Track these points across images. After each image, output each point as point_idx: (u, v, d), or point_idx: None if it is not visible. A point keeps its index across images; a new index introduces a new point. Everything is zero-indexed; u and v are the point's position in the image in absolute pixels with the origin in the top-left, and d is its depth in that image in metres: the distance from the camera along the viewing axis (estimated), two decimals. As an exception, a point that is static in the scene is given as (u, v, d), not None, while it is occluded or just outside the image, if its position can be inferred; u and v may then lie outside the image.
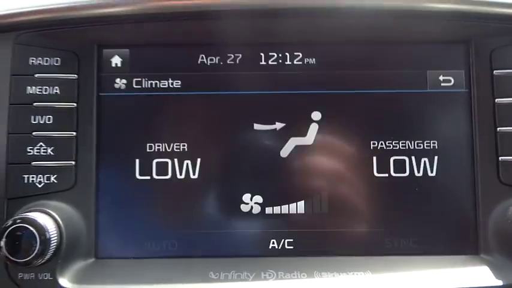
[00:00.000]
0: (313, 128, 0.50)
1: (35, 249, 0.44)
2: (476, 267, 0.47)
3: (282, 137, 0.50)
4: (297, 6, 0.47)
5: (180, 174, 0.50)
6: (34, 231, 0.43)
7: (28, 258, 0.44)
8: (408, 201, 0.49)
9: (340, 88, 0.50)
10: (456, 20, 0.50)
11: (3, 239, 0.44)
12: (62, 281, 0.46)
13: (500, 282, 0.45)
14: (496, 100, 0.49)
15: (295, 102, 0.50)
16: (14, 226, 0.44)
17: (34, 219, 0.44)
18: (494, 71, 0.50)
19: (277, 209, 0.49)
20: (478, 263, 0.47)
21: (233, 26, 0.49)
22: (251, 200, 0.50)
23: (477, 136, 0.49)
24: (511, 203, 0.47)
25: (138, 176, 0.50)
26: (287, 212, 0.49)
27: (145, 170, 0.50)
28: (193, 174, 0.50)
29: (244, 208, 0.49)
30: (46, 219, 0.45)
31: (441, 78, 0.51)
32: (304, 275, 0.46)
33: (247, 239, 0.49)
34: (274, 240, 0.49)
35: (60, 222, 0.46)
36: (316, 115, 0.50)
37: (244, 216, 0.49)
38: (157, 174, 0.50)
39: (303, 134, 0.50)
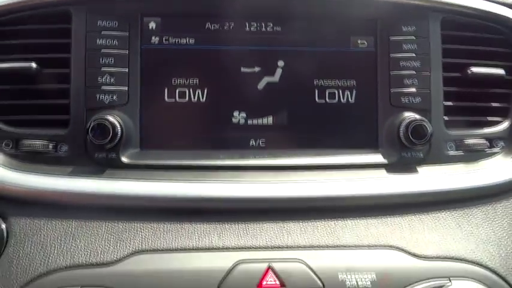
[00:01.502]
0: (279, 71, 0.78)
1: (108, 137, 0.73)
2: (375, 155, 0.77)
3: (259, 76, 0.77)
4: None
5: (194, 98, 0.77)
6: (108, 125, 0.73)
7: (104, 142, 0.73)
8: (336, 117, 0.78)
9: (296, 46, 0.78)
10: (369, 7, 0.80)
11: (89, 131, 0.73)
12: (123, 158, 0.72)
13: (386, 161, 0.77)
14: (391, 55, 0.80)
15: (268, 54, 0.78)
16: (94, 123, 0.74)
17: (108, 119, 0.74)
18: (390, 37, 0.80)
19: (255, 121, 0.78)
20: (377, 152, 0.78)
21: (228, 5, 0.77)
22: (239, 115, 0.77)
23: (379, 77, 0.80)
24: (396, 116, 0.78)
25: (166, 99, 0.76)
26: (261, 123, 0.78)
27: (171, 95, 0.76)
28: (202, 98, 0.77)
29: (234, 120, 0.77)
30: (113, 120, 0.74)
31: (359, 41, 0.80)
32: (270, 158, 0.76)
33: (236, 139, 0.77)
34: (253, 140, 0.78)
35: (121, 122, 0.76)
36: (280, 63, 0.78)
37: (234, 125, 0.77)
38: (178, 98, 0.77)
39: (272, 74, 0.78)
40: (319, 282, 0.64)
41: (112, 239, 0.67)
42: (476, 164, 0.79)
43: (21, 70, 0.74)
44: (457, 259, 0.69)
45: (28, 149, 0.74)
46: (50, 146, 0.75)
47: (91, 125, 0.71)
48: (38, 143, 0.74)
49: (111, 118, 0.72)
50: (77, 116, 0.75)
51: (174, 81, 0.78)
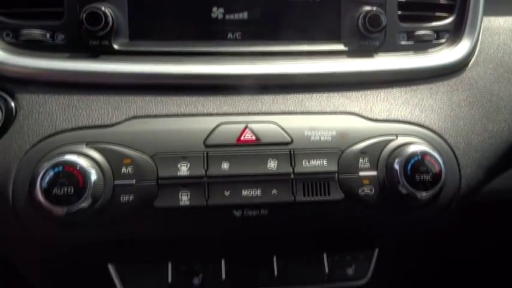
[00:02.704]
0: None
1: (101, 24, 0.83)
2: (337, 44, 0.90)
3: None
4: None
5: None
6: (101, 13, 0.85)
7: (97, 29, 0.84)
8: (304, 13, 0.86)
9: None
10: None
11: (84, 19, 0.85)
12: (114, 45, 0.82)
13: (346, 49, 0.88)
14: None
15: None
16: (88, 12, 0.85)
17: (100, 8, 0.84)
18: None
19: (232, 16, 0.88)
20: (339, 42, 0.90)
21: None
22: (217, 10, 0.87)
23: None
24: (356, 10, 0.90)
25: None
26: (238, 18, 0.89)
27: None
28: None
29: (213, 15, 0.86)
30: (105, 10, 0.85)
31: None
32: (246, 46, 0.88)
33: (215, 32, 0.88)
34: (231, 33, 0.89)
35: (112, 13, 0.86)
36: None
37: (213, 20, 0.86)
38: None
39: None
40: (288, 137, 0.80)
41: (110, 108, 0.80)
42: (424, 52, 0.94)
43: (17, -35, 0.85)
44: (404, 122, 0.85)
45: (27, 38, 0.85)
46: (48, 36, 0.86)
47: (85, 13, 0.83)
48: (36, 32, 0.85)
49: (102, 8, 0.84)
50: (71, 7, 0.84)
51: None
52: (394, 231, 0.87)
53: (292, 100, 0.85)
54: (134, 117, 0.80)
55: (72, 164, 0.71)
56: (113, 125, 0.79)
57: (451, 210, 0.86)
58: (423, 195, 0.78)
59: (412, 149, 0.79)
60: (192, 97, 0.83)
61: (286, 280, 0.88)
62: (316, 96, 0.86)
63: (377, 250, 0.90)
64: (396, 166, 0.78)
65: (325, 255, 0.88)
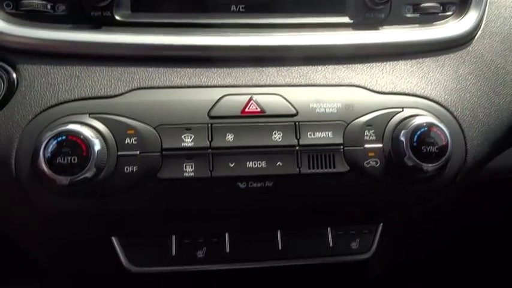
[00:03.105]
0: None
1: None
2: (343, 17, 0.89)
3: None
4: None
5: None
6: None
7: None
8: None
9: None
10: None
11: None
12: (117, 16, 0.81)
13: (352, 21, 0.89)
14: None
15: None
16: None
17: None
18: None
19: None
20: (344, 15, 0.89)
21: None
22: None
23: None
24: None
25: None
26: None
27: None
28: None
29: None
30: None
31: None
32: (250, 18, 0.86)
33: (219, 4, 0.86)
34: (234, 5, 0.88)
35: None
36: None
37: None
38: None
39: None
40: (293, 109, 0.79)
41: (113, 79, 0.80)
42: (430, 25, 0.93)
43: None
44: (410, 94, 0.84)
45: (28, 8, 0.83)
46: (48, 6, 0.84)
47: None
48: (37, 2, 0.84)
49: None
50: None
51: None
52: (399, 204, 0.87)
53: (297, 72, 0.84)
54: (138, 89, 0.79)
55: (76, 134, 0.71)
56: (116, 95, 0.78)
57: (456, 184, 0.85)
58: (429, 167, 0.78)
59: (418, 120, 0.78)
60: (195, 69, 0.82)
61: (290, 253, 0.88)
62: (321, 68, 0.85)
63: (381, 224, 0.90)
64: (402, 138, 0.78)
65: (329, 229, 0.88)
